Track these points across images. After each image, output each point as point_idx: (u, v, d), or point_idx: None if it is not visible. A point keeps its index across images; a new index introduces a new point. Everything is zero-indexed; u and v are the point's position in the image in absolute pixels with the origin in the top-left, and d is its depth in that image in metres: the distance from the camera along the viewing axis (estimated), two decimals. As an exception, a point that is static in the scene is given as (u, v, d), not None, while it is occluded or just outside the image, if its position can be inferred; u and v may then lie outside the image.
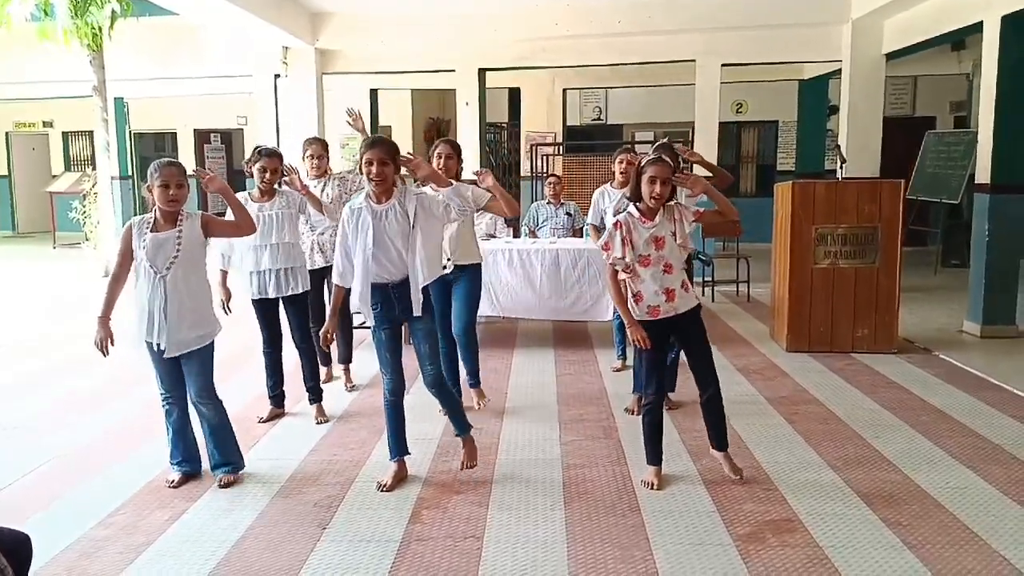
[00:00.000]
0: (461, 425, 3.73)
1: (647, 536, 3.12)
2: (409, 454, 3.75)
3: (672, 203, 3.54)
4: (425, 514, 3.35)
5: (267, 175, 4.43)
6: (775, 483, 3.62)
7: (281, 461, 3.96)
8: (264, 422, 4.55)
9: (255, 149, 4.55)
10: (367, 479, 3.73)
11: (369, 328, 3.67)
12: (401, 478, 3.68)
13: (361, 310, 3.59)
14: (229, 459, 3.72)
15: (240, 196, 4.63)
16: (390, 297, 3.54)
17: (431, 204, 3.55)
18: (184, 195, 3.53)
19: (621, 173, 5.10)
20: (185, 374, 3.61)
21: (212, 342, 3.64)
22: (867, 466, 3.81)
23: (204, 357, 3.61)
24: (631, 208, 3.54)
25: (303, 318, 4.66)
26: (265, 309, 4.56)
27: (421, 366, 3.65)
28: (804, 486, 3.58)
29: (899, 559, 2.92)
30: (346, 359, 5.36)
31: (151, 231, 3.51)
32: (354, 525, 3.26)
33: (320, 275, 5.01)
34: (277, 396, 4.68)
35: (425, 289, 3.57)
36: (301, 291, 4.55)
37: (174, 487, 3.64)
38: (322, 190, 5.12)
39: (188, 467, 3.72)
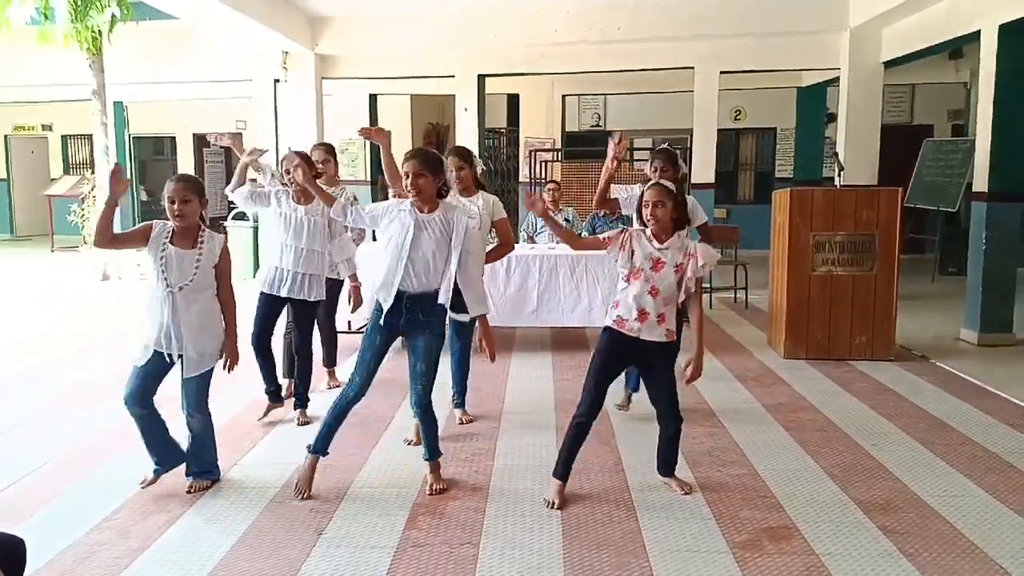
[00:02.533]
0: (433, 450, 3.67)
1: (644, 543, 3.12)
2: (327, 454, 3.64)
3: (693, 241, 3.48)
4: (421, 520, 3.34)
5: (287, 175, 4.41)
6: (772, 490, 3.61)
7: (277, 466, 3.94)
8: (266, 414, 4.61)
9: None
10: (363, 485, 3.72)
11: (358, 333, 3.64)
12: (311, 475, 3.60)
13: (379, 295, 3.50)
14: (205, 468, 3.71)
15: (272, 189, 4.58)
16: (401, 306, 3.48)
17: (473, 236, 3.59)
18: (192, 210, 3.45)
19: (652, 173, 5.05)
20: (182, 388, 3.57)
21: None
22: (864, 474, 3.81)
23: (204, 375, 3.59)
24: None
25: (309, 325, 4.63)
26: (268, 304, 4.52)
27: (412, 383, 3.59)
28: (801, 493, 3.57)
29: (896, 567, 2.92)
30: (330, 363, 5.34)
31: (171, 243, 3.45)
32: (350, 531, 3.25)
33: (337, 285, 5.01)
34: (274, 392, 4.65)
35: (442, 310, 3.56)
36: (314, 299, 4.53)
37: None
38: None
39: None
